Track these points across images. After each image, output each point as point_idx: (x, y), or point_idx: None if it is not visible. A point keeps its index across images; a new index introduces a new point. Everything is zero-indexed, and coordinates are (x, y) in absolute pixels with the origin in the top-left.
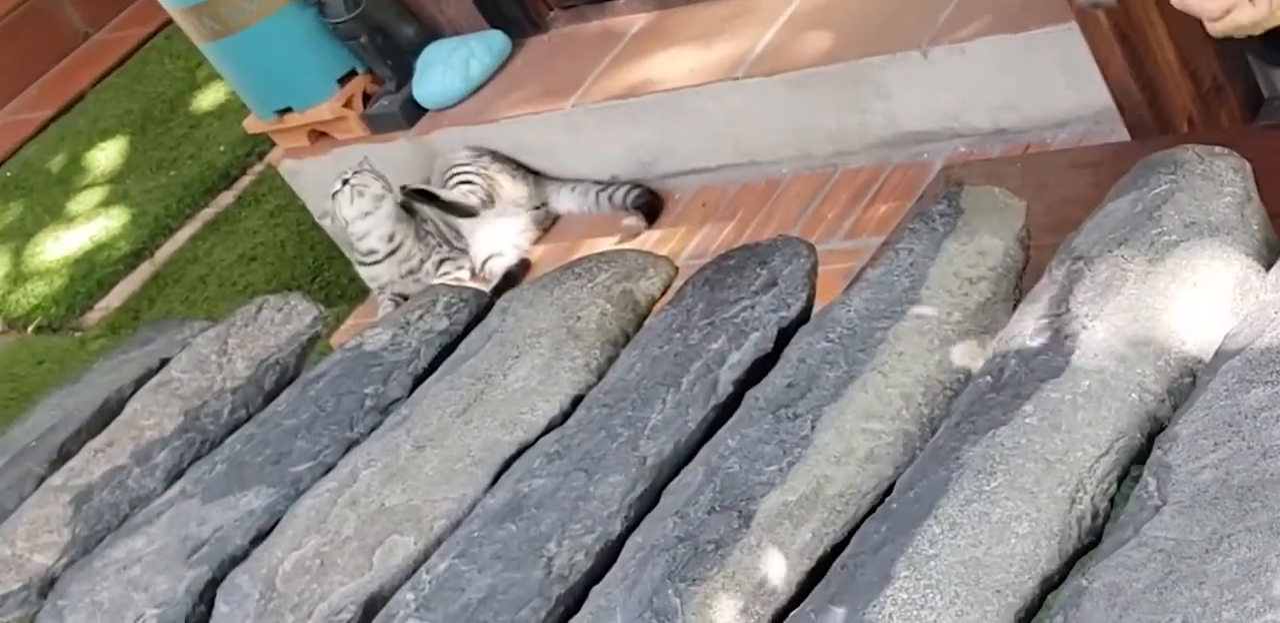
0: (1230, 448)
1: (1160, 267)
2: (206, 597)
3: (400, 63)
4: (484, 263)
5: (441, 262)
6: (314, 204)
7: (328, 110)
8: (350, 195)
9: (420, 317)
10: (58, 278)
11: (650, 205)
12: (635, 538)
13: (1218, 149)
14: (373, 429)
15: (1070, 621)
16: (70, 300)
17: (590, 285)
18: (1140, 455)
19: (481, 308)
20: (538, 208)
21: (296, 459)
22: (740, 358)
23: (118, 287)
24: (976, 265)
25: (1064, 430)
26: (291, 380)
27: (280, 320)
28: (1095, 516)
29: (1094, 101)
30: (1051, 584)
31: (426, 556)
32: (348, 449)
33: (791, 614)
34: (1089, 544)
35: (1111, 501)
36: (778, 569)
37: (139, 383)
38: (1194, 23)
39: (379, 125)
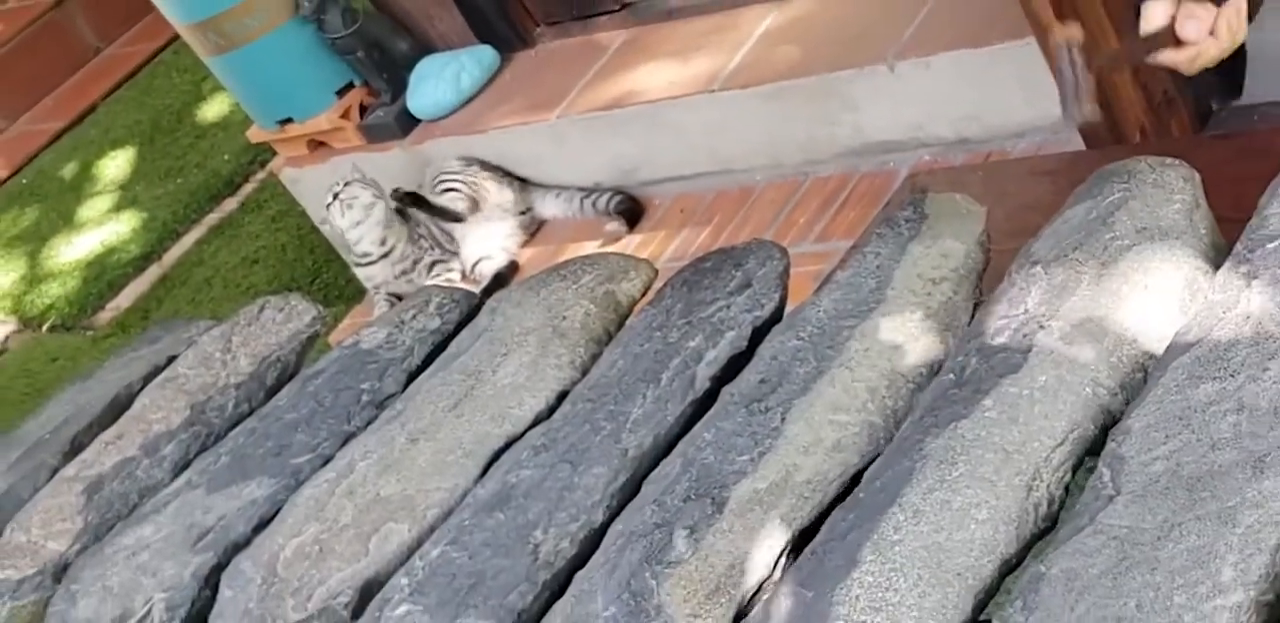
0: (1180, 440)
1: (1113, 269)
2: (211, 582)
3: (395, 76)
4: (474, 265)
5: (433, 264)
6: (313, 210)
7: (326, 121)
8: (340, 209)
9: (414, 316)
10: (70, 279)
11: (631, 211)
12: (616, 525)
13: (1168, 159)
14: (369, 423)
15: (1029, 605)
16: (82, 301)
17: (575, 287)
18: (1094, 447)
19: (472, 308)
20: (524, 213)
21: (297, 451)
22: (716, 355)
23: (127, 288)
24: (939, 268)
25: (1021, 423)
26: (292, 377)
27: (281, 320)
28: (1050, 503)
29: (1051, 113)
30: (1009, 568)
31: (420, 543)
32: (345, 442)
33: (760, 597)
34: (1044, 530)
35: (1066, 489)
36: (748, 552)
37: (147, 379)
38: (1147, 39)
39: (375, 135)
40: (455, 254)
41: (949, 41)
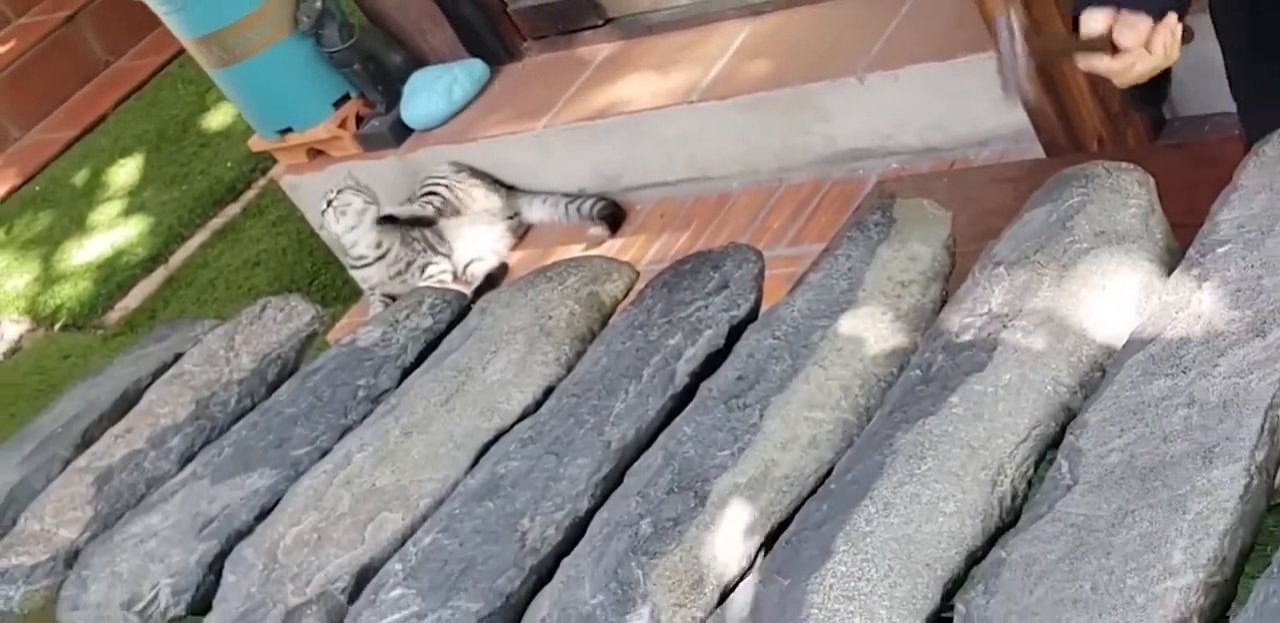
0: (1134, 434)
1: (1072, 271)
2: (215, 568)
3: (389, 88)
4: (465, 267)
5: (426, 265)
6: (312, 215)
7: (324, 130)
8: (334, 216)
9: (408, 316)
10: (82, 281)
11: (614, 216)
12: (601, 515)
13: (1124, 165)
14: (365, 417)
15: (990, 588)
16: (93, 301)
17: (560, 288)
18: (1055, 441)
19: (463, 308)
20: (512, 218)
21: (296, 444)
22: (695, 353)
23: (135, 289)
24: (907, 270)
25: (986, 419)
26: (292, 373)
27: (282, 319)
28: (1015, 497)
29: (1013, 122)
30: (976, 559)
31: (413, 530)
32: (342, 435)
33: (741, 584)
34: (1009, 523)
35: (1029, 483)
36: (729, 544)
37: (155, 375)
38: (1087, 41)
39: (370, 144)
40: (447, 256)
41: (915, 55)
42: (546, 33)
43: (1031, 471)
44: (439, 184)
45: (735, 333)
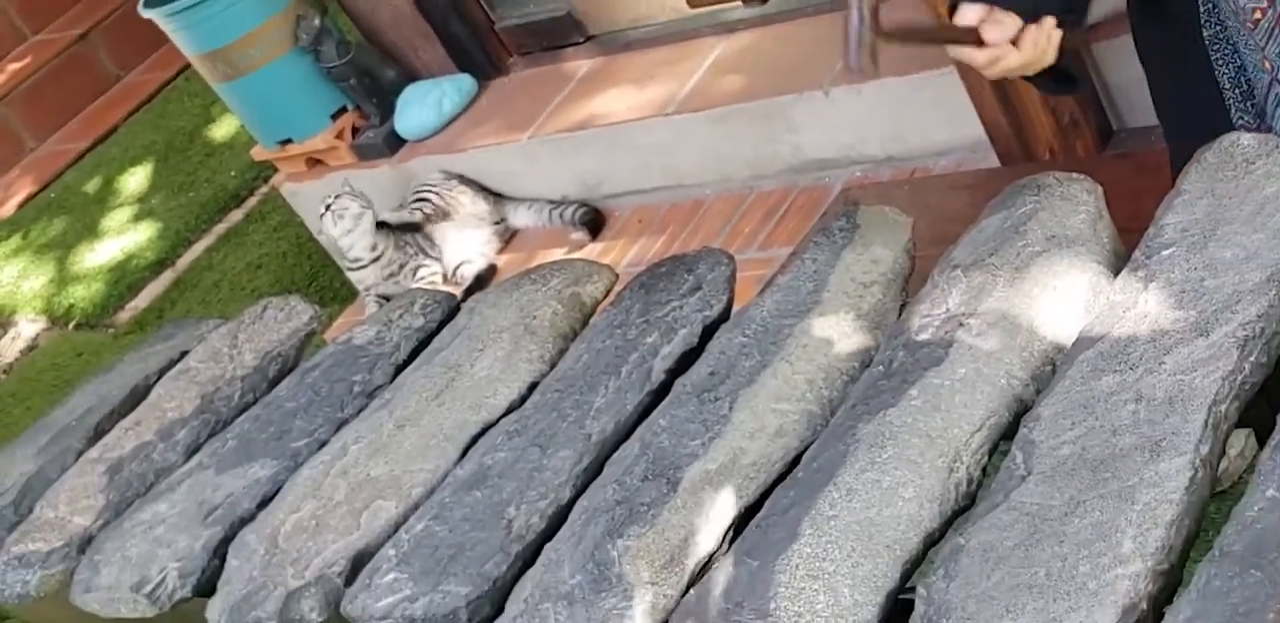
0: (1085, 427)
1: (1025, 273)
2: (220, 552)
3: (383, 101)
4: (455, 268)
5: (418, 268)
6: (311, 220)
7: (322, 141)
8: (332, 219)
9: (400, 315)
10: (94, 283)
11: (594, 222)
12: (581, 502)
13: (1074, 174)
14: (360, 411)
15: (950, 574)
16: (105, 302)
17: (544, 289)
18: (1009, 432)
19: (452, 308)
20: (498, 223)
21: (296, 436)
22: (671, 351)
23: (145, 290)
24: (870, 272)
25: (944, 411)
26: (292, 370)
27: (282, 319)
28: (970, 483)
29: (969, 134)
30: (933, 540)
31: (405, 518)
32: (339, 428)
33: (711, 566)
34: (964, 507)
35: (984, 470)
36: (700, 527)
37: (162, 372)
38: (1056, 67)
39: (365, 154)
40: (438, 259)
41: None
42: (531, 49)
43: (986, 458)
44: (430, 191)
45: (708, 332)
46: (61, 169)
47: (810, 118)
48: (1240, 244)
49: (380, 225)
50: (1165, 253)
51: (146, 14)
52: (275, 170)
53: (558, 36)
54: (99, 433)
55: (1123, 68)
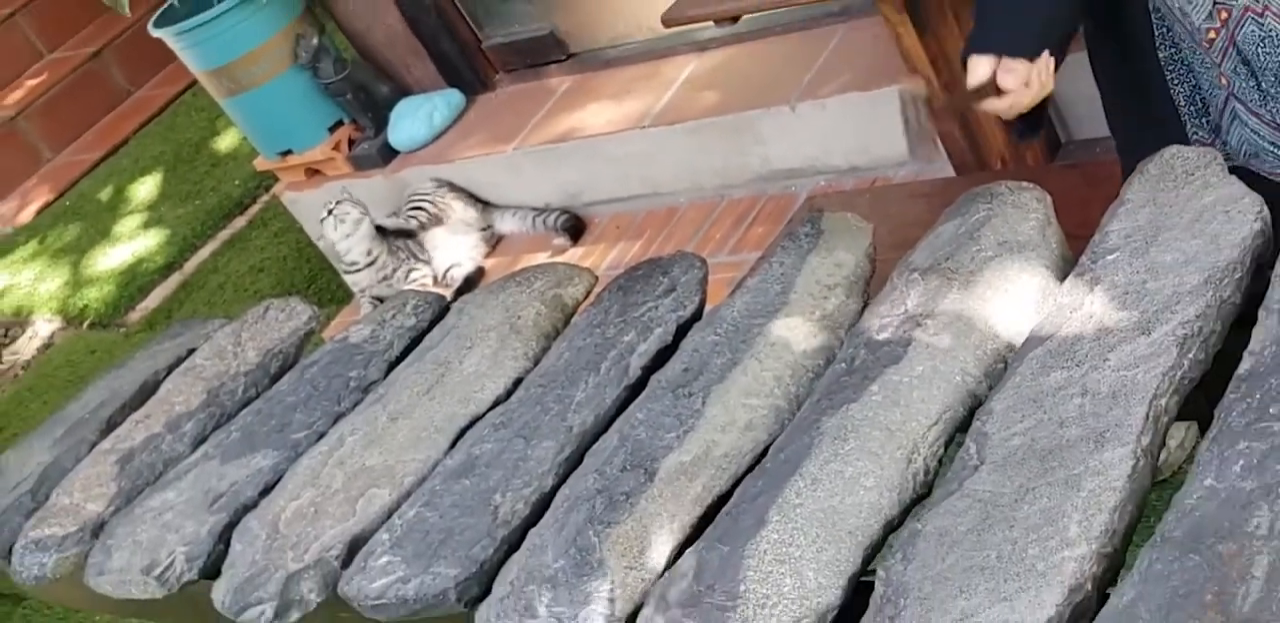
0: (1034, 420)
1: (979, 277)
2: (224, 537)
3: (378, 115)
4: (446, 271)
5: (410, 271)
6: (310, 227)
7: (320, 152)
8: (334, 223)
9: (394, 315)
10: (107, 285)
11: (575, 228)
12: (564, 490)
13: (1024, 184)
14: (356, 405)
15: (908, 557)
16: (116, 303)
17: (528, 291)
18: (963, 425)
19: (442, 309)
20: (485, 229)
21: (296, 428)
22: (647, 348)
23: (154, 292)
24: (834, 275)
25: (902, 406)
26: (292, 366)
27: (283, 319)
28: (927, 472)
29: (926, 146)
30: (892, 527)
31: (398, 505)
32: (336, 421)
33: (686, 551)
34: (922, 495)
35: (940, 461)
36: (675, 515)
37: (171, 368)
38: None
39: (361, 164)
40: (428, 263)
41: (841, 86)
42: (516, 66)
43: (941, 450)
44: (424, 199)
45: (682, 331)
46: (76, 178)
47: (777, 131)
48: (1180, 249)
49: (377, 229)
50: (1110, 258)
51: (156, 33)
52: (276, 180)
53: (541, 54)
54: (111, 425)
55: (1070, 83)
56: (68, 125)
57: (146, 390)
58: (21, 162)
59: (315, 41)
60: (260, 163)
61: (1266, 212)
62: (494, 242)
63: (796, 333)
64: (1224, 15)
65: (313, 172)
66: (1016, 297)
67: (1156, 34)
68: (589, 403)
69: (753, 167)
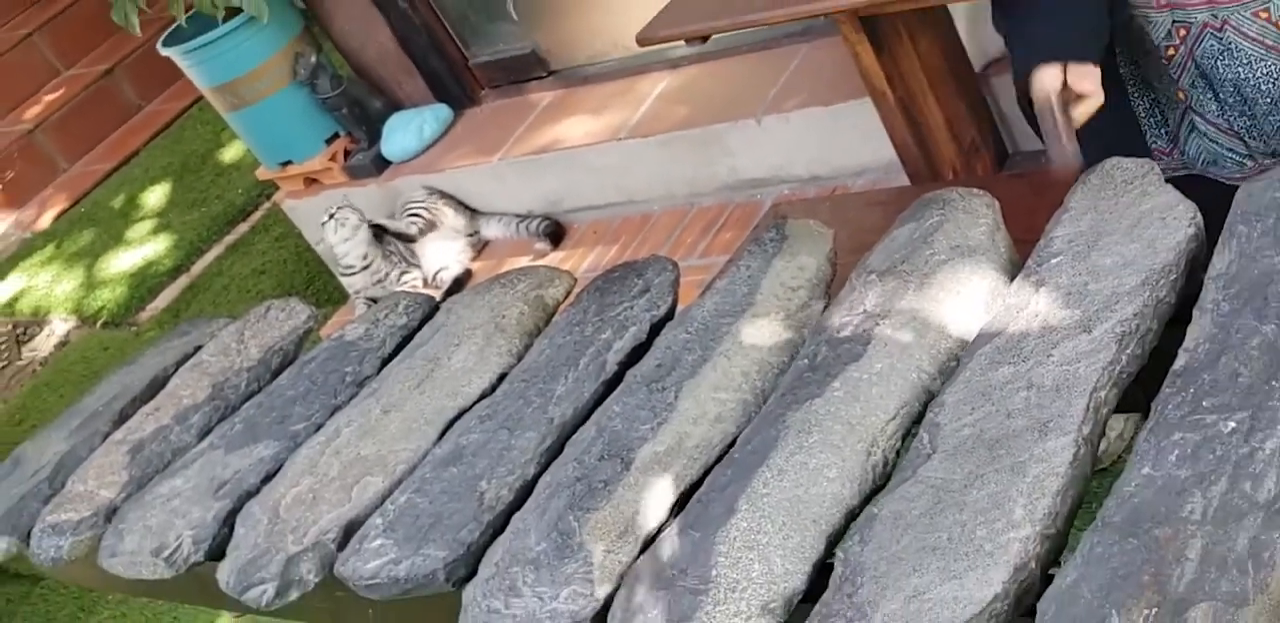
0: (983, 411)
1: (932, 279)
2: (229, 522)
3: (371, 128)
4: (435, 274)
5: (402, 274)
6: (308, 232)
7: (318, 163)
8: (334, 226)
9: (386, 315)
10: (119, 287)
11: (556, 233)
12: (545, 478)
13: (975, 191)
14: (351, 398)
15: (865, 539)
16: (128, 303)
17: (512, 292)
18: (919, 418)
19: (432, 309)
20: (472, 234)
21: (295, 420)
22: (622, 345)
23: (163, 293)
24: (797, 278)
25: (862, 401)
26: (291, 362)
27: (283, 318)
28: (886, 464)
29: (883, 156)
30: (854, 516)
31: (391, 491)
32: (333, 413)
33: (660, 536)
34: (881, 485)
35: (898, 453)
36: (650, 502)
37: (179, 364)
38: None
39: (356, 174)
40: (418, 266)
41: (803, 101)
42: (500, 83)
43: (899, 443)
44: (419, 207)
45: (656, 329)
46: (90, 187)
47: (744, 143)
48: (1119, 253)
49: (376, 228)
50: (1054, 261)
51: (165, 52)
52: (277, 188)
53: (523, 71)
54: (123, 418)
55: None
56: (82, 138)
57: (156, 385)
58: (40, 172)
59: (313, 59)
60: (262, 172)
61: (1200, 218)
62: (480, 246)
63: (763, 332)
64: (1183, 33)
65: (311, 181)
66: (967, 297)
67: (1119, 51)
68: (569, 397)
69: (721, 176)
